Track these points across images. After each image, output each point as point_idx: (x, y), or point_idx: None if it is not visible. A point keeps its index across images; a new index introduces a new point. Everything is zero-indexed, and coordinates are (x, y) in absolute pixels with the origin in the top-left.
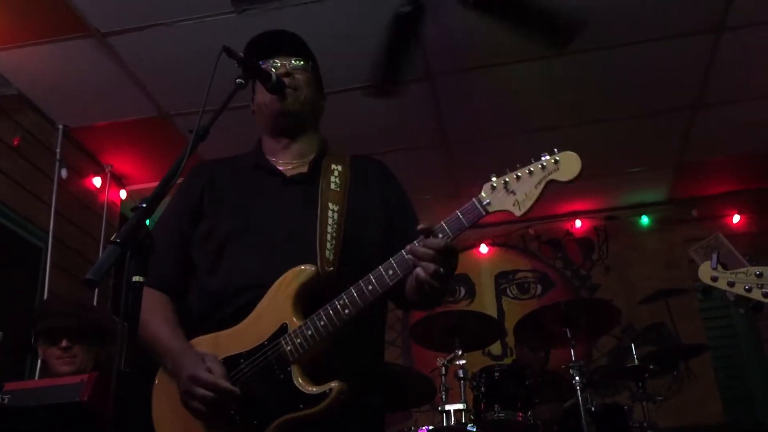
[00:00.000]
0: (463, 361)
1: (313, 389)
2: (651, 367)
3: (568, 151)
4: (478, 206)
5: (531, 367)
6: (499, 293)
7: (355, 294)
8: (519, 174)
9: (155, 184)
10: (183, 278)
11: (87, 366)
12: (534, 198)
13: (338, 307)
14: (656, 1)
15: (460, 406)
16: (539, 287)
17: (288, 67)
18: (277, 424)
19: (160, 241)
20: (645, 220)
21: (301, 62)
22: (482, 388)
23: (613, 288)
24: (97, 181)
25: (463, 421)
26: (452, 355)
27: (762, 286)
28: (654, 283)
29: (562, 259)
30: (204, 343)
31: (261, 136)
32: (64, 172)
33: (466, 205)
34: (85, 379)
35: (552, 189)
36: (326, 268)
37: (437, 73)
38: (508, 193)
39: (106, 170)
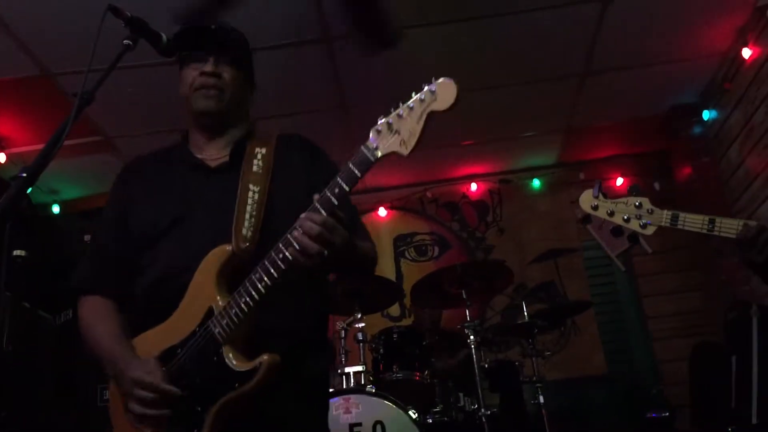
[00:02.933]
0: (362, 324)
1: (245, 366)
2: (539, 323)
3: (444, 79)
4: (367, 153)
5: (426, 326)
6: (398, 256)
7: (267, 264)
8: (401, 112)
9: (38, 146)
10: (124, 281)
11: None
12: (417, 134)
13: (254, 280)
14: None
15: (359, 368)
16: (436, 249)
17: (216, 66)
18: (218, 407)
19: (98, 249)
20: (536, 182)
21: (231, 60)
22: (381, 350)
23: (506, 249)
24: None
25: (363, 382)
26: (351, 318)
27: (640, 217)
28: (544, 243)
29: (459, 222)
30: (141, 341)
31: (188, 127)
32: None
33: (357, 155)
34: None
35: (433, 120)
36: (241, 245)
37: (336, 36)
38: (393, 133)
39: None
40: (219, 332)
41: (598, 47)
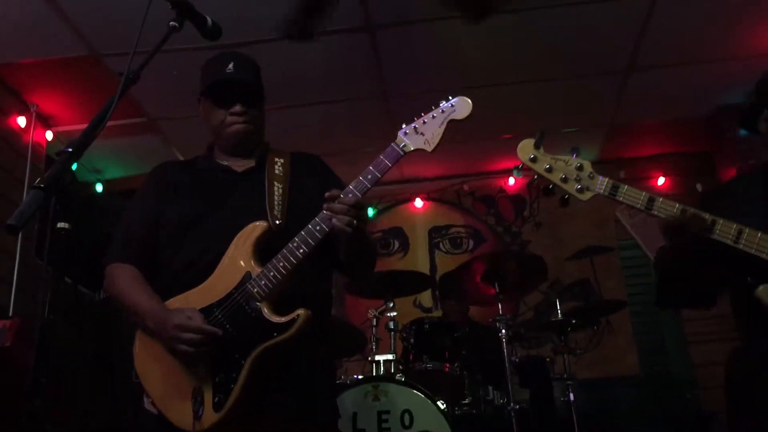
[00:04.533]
0: (394, 313)
1: (283, 318)
2: (573, 321)
3: (461, 96)
4: (396, 148)
5: (456, 318)
6: (432, 247)
7: (305, 234)
8: (425, 120)
9: (83, 125)
10: (147, 260)
11: None
12: (439, 136)
13: (293, 248)
14: None
15: (389, 356)
16: (471, 242)
17: (243, 108)
18: (256, 353)
19: (127, 225)
20: None
21: (254, 100)
22: (411, 340)
23: (542, 244)
24: (21, 121)
25: (392, 370)
26: (383, 306)
27: (579, 180)
28: (582, 240)
29: (495, 216)
30: (176, 303)
31: (212, 143)
32: None
33: (386, 150)
34: (7, 324)
35: (452, 126)
36: (276, 221)
37: (379, 24)
38: (419, 134)
39: (32, 110)
40: (257, 291)
41: (645, 43)
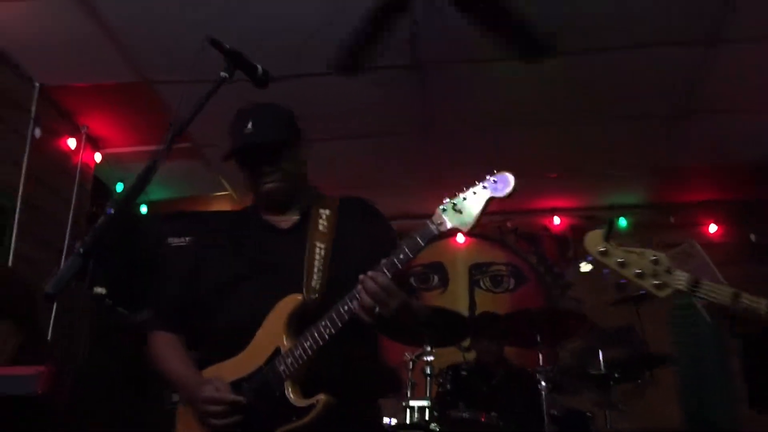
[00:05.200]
0: (431, 358)
1: (303, 402)
2: (616, 375)
3: (504, 172)
4: (432, 227)
5: (490, 360)
6: (473, 284)
7: (333, 315)
8: (465, 196)
9: (131, 148)
10: (188, 319)
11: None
12: (477, 217)
13: (321, 328)
14: (654, 7)
15: (424, 402)
16: (512, 281)
17: (275, 170)
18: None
19: (166, 288)
20: (623, 222)
21: (286, 156)
22: (448, 386)
23: (585, 287)
24: (71, 143)
25: (427, 418)
26: (420, 350)
27: (656, 275)
28: (626, 285)
29: (537, 255)
30: (209, 373)
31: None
32: (37, 132)
33: (423, 228)
34: (41, 371)
35: (492, 204)
36: (311, 296)
37: (427, 61)
38: (456, 212)
39: (82, 131)
40: (283, 369)
41: (698, 89)
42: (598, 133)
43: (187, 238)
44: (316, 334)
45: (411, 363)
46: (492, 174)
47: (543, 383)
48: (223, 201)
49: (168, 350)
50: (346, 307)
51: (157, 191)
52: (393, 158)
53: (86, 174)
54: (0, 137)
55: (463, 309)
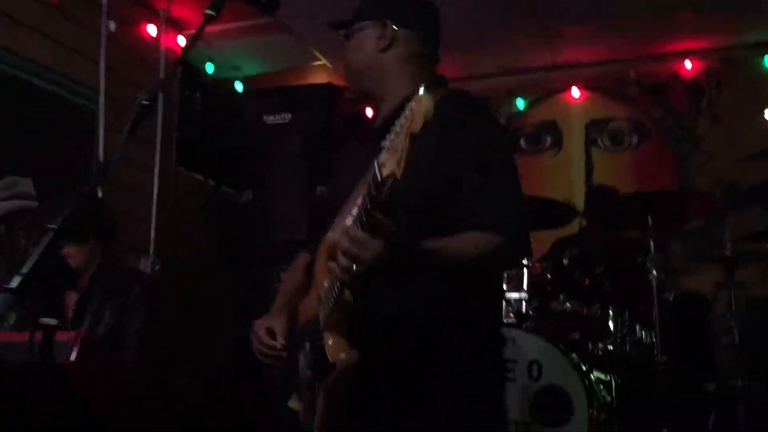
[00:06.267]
0: None
1: (335, 357)
2: (745, 251)
3: (417, 95)
4: (376, 171)
5: (594, 242)
6: (589, 143)
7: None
8: (396, 130)
9: (218, 26)
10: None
11: (89, 262)
12: (404, 157)
13: (333, 281)
14: None
15: (520, 295)
16: (635, 138)
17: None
18: (324, 386)
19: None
20: None
21: (347, 30)
22: (547, 275)
23: (717, 141)
24: (151, 29)
25: (524, 311)
26: None
27: None
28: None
29: (664, 107)
30: (303, 303)
31: None
32: (112, 25)
33: (371, 169)
34: (72, 337)
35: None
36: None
37: None
38: (392, 152)
39: (161, 15)
40: (321, 318)
41: None
42: None
43: (283, 116)
44: (336, 283)
45: None
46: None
47: (654, 272)
48: (318, 72)
49: (289, 272)
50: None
51: (249, 66)
52: (497, 11)
53: (171, 60)
54: (73, 38)
55: (578, 172)
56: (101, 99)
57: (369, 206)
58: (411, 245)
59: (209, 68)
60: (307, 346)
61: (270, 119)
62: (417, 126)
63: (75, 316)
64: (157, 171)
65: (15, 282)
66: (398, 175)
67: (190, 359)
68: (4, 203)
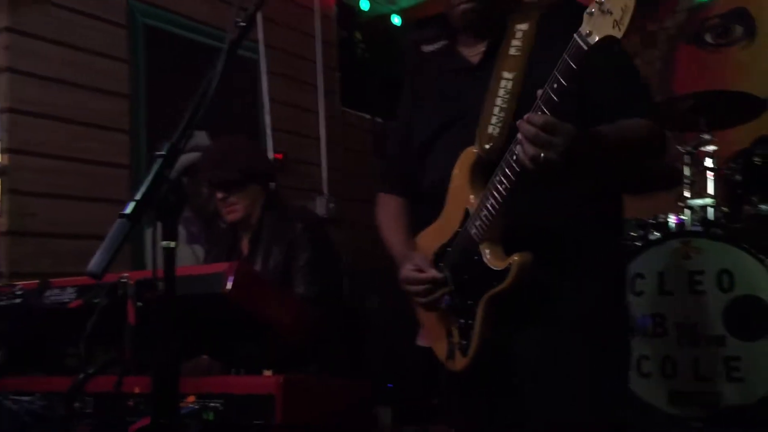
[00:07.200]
0: (713, 147)
1: (500, 265)
2: None
3: None
4: (580, 42)
5: None
6: None
7: (505, 167)
8: None
9: None
10: (412, 182)
11: (253, 209)
12: (631, 9)
13: (495, 183)
14: None
15: (706, 201)
16: None
17: None
18: (483, 302)
19: (390, 147)
20: None
21: None
22: (737, 176)
23: None
24: None
25: (712, 218)
26: (697, 140)
27: None
28: None
29: None
30: (421, 238)
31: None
32: None
33: (571, 44)
34: (227, 268)
35: None
36: (485, 145)
37: None
38: (605, 14)
39: None
40: (475, 233)
41: None
42: None
43: (439, 44)
44: (493, 191)
45: (687, 156)
46: None
47: None
48: None
49: (386, 217)
50: (513, 157)
51: None
52: None
53: (326, 3)
54: None
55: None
56: (261, 48)
57: (559, 90)
58: (587, 129)
59: (364, 5)
60: (460, 263)
61: (429, 48)
62: None
63: (249, 257)
64: (322, 114)
65: (129, 208)
66: (620, 36)
67: (379, 287)
68: (185, 156)
